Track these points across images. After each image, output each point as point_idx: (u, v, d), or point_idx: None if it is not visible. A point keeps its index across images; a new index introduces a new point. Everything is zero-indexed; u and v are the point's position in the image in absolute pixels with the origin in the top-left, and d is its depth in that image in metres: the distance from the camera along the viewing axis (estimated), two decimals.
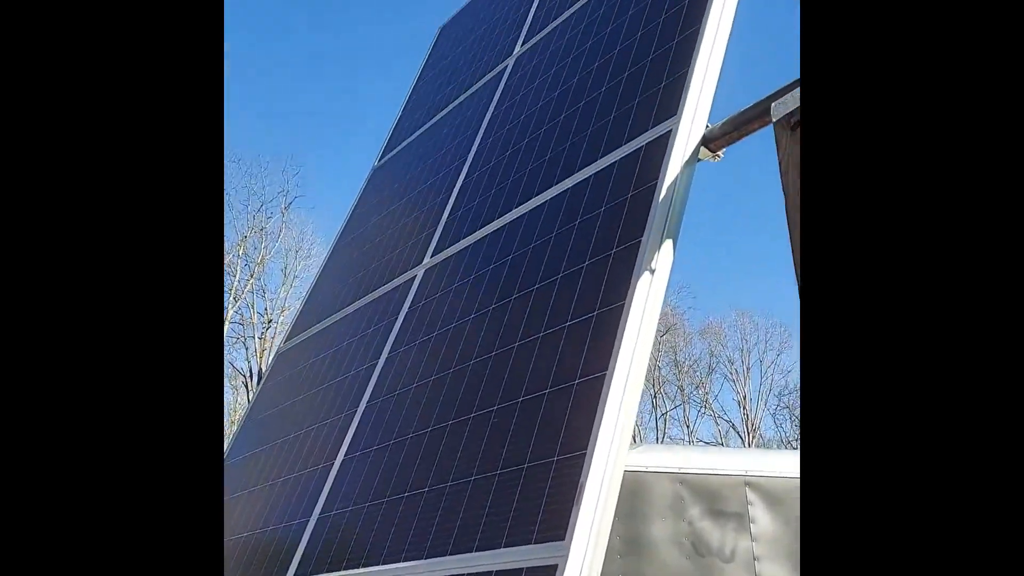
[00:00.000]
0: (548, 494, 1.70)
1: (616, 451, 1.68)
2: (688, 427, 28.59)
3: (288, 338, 3.79)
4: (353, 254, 3.77)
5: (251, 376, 23.49)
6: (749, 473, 4.81)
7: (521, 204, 2.67)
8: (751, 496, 4.76)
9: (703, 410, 28.65)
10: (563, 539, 1.57)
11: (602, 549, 1.59)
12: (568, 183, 2.51)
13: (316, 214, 34.02)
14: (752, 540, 4.61)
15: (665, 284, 1.99)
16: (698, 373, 28.89)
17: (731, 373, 28.75)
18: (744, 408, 27.92)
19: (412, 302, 2.88)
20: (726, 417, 28.87)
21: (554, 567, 1.55)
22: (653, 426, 27.88)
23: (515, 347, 2.17)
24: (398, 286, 3.08)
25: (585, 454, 1.68)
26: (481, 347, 2.31)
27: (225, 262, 23.72)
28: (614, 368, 1.78)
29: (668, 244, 2.03)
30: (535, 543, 1.64)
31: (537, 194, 2.63)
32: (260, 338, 23.95)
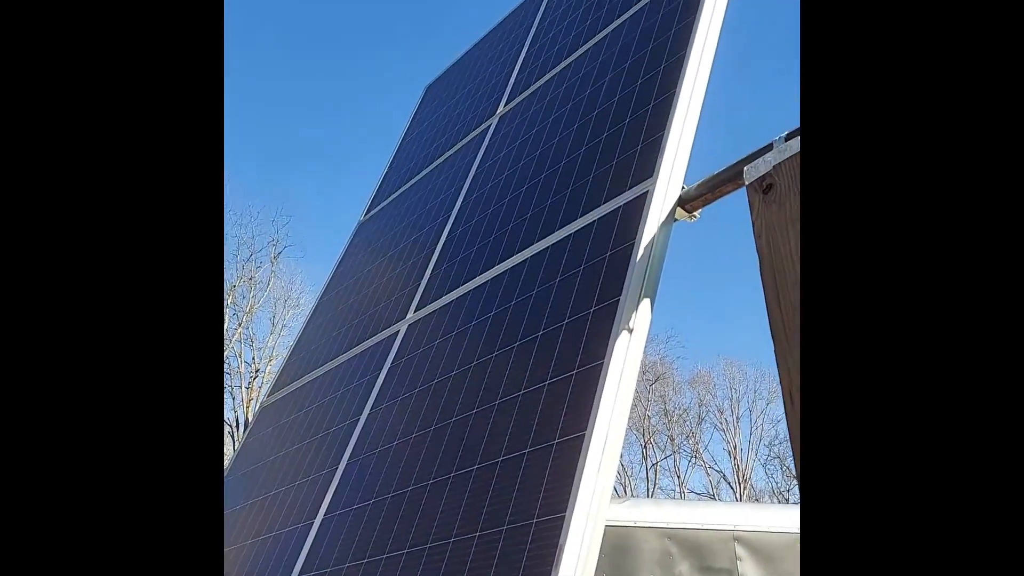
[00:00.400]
0: (527, 558, 1.69)
1: (595, 513, 1.68)
2: (679, 477, 28.39)
3: (271, 392, 3.78)
4: (337, 308, 3.78)
5: (237, 426, 23.25)
6: (738, 528, 4.78)
7: (503, 261, 2.70)
8: (740, 551, 4.73)
9: (694, 460, 28.49)
10: None
11: None
12: (549, 241, 2.54)
13: (306, 263, 34.10)
14: None
15: (643, 343, 2.01)
16: (688, 423, 28.79)
17: (721, 423, 28.66)
18: (735, 458, 27.78)
19: (395, 357, 2.89)
20: (716, 467, 28.69)
21: None
22: (644, 476, 27.67)
23: (496, 405, 2.18)
24: (381, 341, 3.09)
25: (563, 517, 1.68)
26: (462, 404, 2.32)
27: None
28: (593, 428, 1.78)
29: (646, 303, 2.06)
30: None
31: (518, 251, 2.66)
32: (247, 388, 23.78)
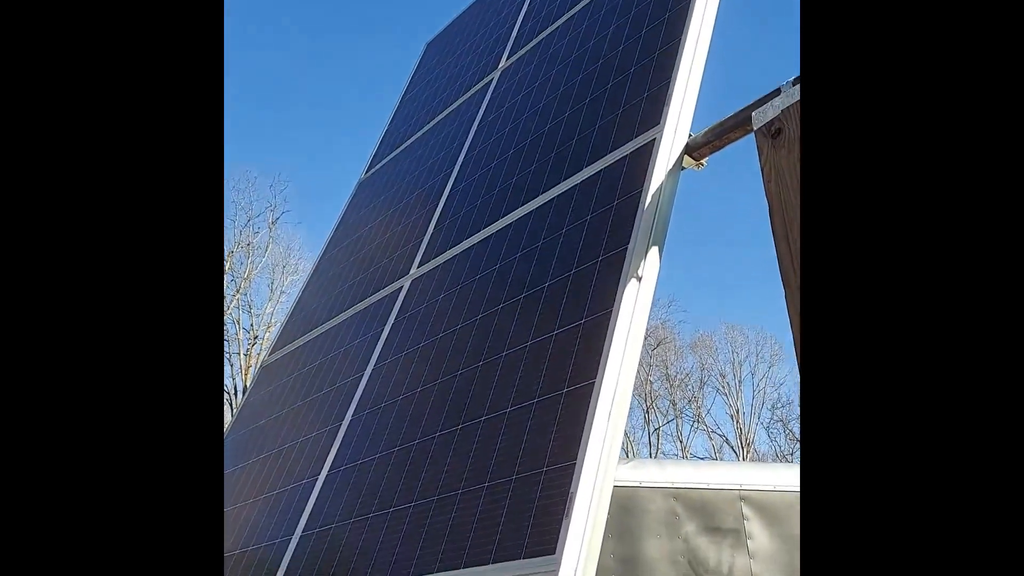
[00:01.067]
0: (537, 507, 1.66)
1: (606, 461, 1.65)
2: (681, 442, 28.55)
3: (272, 351, 3.75)
4: (339, 266, 3.74)
5: (235, 393, 23.32)
6: (744, 487, 4.75)
7: (508, 214, 2.65)
8: (747, 511, 4.70)
9: (696, 425, 28.63)
10: (554, 552, 1.54)
11: (594, 562, 1.55)
12: (554, 192, 2.49)
13: (303, 229, 33.99)
14: (749, 557, 4.55)
15: (652, 292, 1.96)
16: (690, 387, 28.90)
17: (723, 387, 28.76)
18: (737, 422, 27.91)
19: (399, 313, 2.85)
20: (719, 431, 28.83)
21: None
22: (646, 442, 27.83)
23: (503, 357, 2.14)
24: (384, 297, 3.05)
25: (575, 464, 1.65)
26: (468, 357, 2.28)
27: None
28: (603, 377, 1.75)
29: (654, 252, 2.01)
30: (525, 557, 1.60)
31: (523, 204, 2.61)
32: (246, 355, 23.81)
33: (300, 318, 3.73)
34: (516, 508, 1.71)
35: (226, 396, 23.81)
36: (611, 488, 1.67)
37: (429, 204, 3.28)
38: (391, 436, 2.34)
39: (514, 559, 1.62)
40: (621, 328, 1.83)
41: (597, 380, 1.76)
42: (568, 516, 1.57)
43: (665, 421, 28.29)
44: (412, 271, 3.00)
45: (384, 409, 2.48)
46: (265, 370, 3.67)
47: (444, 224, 3.03)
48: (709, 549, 4.60)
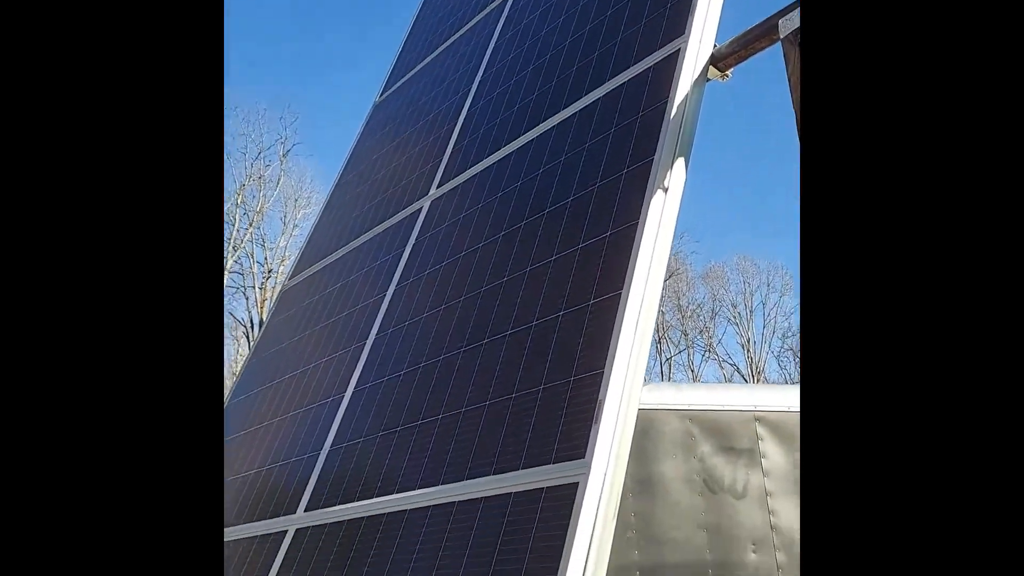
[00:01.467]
0: (566, 414, 1.68)
1: (635, 368, 1.66)
2: (693, 372, 28.76)
3: (292, 275, 3.76)
4: (356, 190, 3.72)
5: (251, 326, 23.53)
6: (759, 408, 4.80)
7: (528, 130, 2.61)
8: (761, 431, 4.76)
9: (707, 354, 28.78)
10: (583, 456, 1.56)
11: (623, 467, 1.57)
12: (576, 107, 2.45)
13: (315, 162, 33.76)
14: (764, 475, 4.62)
15: (678, 203, 1.94)
16: (701, 318, 28.96)
17: (734, 317, 28.81)
18: (748, 351, 28.04)
19: (419, 233, 2.84)
20: (730, 361, 28.97)
21: (575, 485, 1.53)
22: (658, 372, 28.03)
23: (527, 272, 2.14)
24: (404, 219, 3.04)
25: (603, 373, 1.66)
26: (492, 274, 2.28)
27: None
28: (630, 286, 1.74)
29: (680, 163, 1.98)
30: (554, 463, 1.62)
31: (544, 120, 2.57)
32: (260, 288, 23.94)
33: (319, 243, 3.73)
34: (545, 416, 1.73)
35: (242, 329, 24.04)
36: (639, 396, 1.68)
37: (447, 124, 3.24)
38: (416, 353, 2.36)
39: (544, 464, 1.64)
40: (648, 238, 1.81)
41: (624, 290, 1.75)
42: (597, 422, 1.59)
43: (677, 351, 28.46)
44: (431, 192, 2.98)
45: (408, 328, 2.49)
46: (285, 295, 3.69)
47: (463, 144, 2.99)
48: (724, 468, 4.67)
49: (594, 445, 1.55)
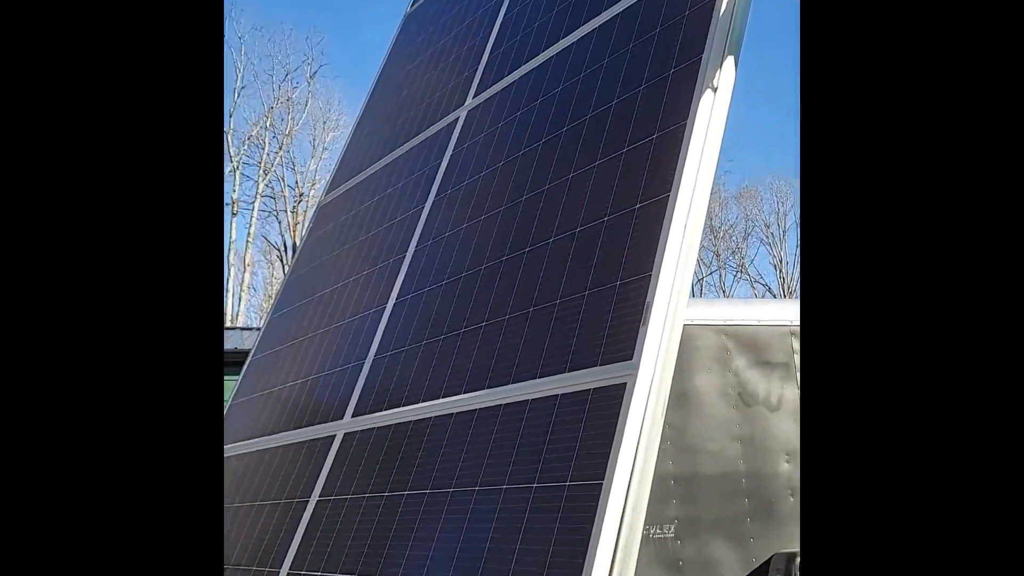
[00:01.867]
0: (612, 318, 1.67)
1: (683, 272, 1.64)
2: (724, 292, 28.65)
3: (328, 191, 3.75)
4: (390, 103, 3.67)
5: (285, 250, 23.71)
6: (795, 323, 4.78)
7: (568, 35, 2.54)
8: (797, 346, 4.75)
9: (739, 275, 28.62)
10: (631, 358, 1.55)
11: (670, 370, 1.57)
12: (617, 8, 2.37)
13: (342, 83, 33.40)
14: (798, 388, 4.63)
15: (728, 103, 1.88)
16: (734, 238, 28.69)
17: (767, 237, 28.51)
18: (780, 271, 27.82)
19: (456, 144, 2.80)
20: (762, 281, 28.79)
21: (623, 385, 1.53)
22: (689, 293, 27.99)
23: (569, 179, 2.10)
24: (440, 130, 3.00)
25: (650, 276, 1.64)
26: (533, 182, 2.25)
27: (252, 134, 23.53)
28: (678, 188, 1.71)
29: (730, 61, 1.92)
30: (601, 365, 1.62)
31: (584, 23, 2.49)
32: (292, 212, 24.03)
33: (354, 157, 3.70)
34: (591, 320, 1.72)
35: (276, 253, 24.24)
36: (686, 301, 1.67)
37: (483, 31, 3.16)
38: (457, 263, 2.35)
39: (591, 367, 1.64)
40: (697, 139, 1.77)
41: (672, 192, 1.72)
42: (645, 324, 1.57)
43: (708, 272, 28.30)
44: (468, 102, 2.92)
45: (448, 239, 2.48)
46: (322, 211, 3.68)
47: (499, 51, 2.92)
48: (759, 382, 4.68)
49: (642, 347, 1.55)
